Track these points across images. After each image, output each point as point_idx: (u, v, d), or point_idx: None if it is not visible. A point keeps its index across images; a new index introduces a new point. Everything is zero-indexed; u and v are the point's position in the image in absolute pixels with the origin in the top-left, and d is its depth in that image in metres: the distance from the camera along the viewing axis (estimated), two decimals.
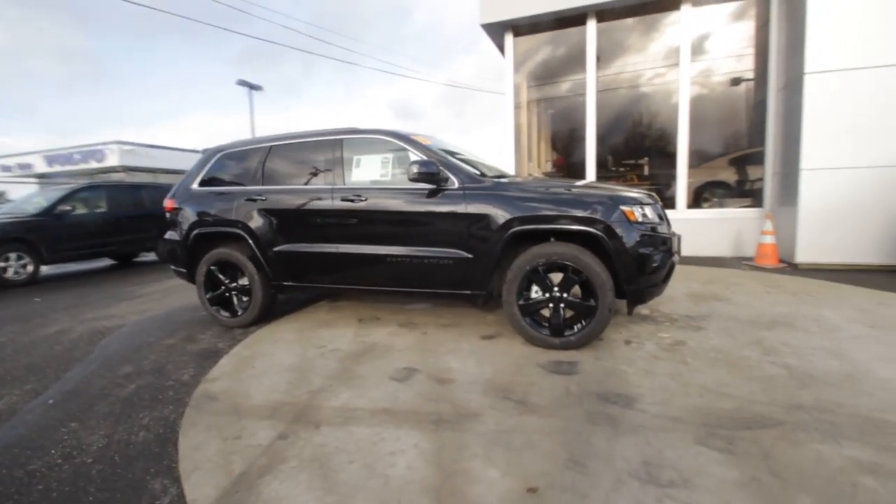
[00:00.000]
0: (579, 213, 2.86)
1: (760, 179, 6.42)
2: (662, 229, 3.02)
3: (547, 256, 2.90)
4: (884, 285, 4.39)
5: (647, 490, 1.58)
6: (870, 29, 5.04)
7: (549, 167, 8.71)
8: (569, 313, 2.98)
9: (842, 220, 5.27)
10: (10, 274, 6.47)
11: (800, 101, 5.36)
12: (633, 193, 2.98)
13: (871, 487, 1.55)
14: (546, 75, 7.96)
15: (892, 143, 5.03)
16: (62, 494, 1.76)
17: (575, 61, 7.24)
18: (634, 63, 7.17)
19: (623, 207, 2.82)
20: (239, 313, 3.86)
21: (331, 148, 3.60)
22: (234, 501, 1.65)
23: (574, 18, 6.94)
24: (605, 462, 1.75)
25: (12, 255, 6.52)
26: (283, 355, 3.12)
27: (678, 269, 3.24)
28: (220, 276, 3.88)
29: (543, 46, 7.72)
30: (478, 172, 3.31)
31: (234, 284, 3.88)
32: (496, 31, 7.44)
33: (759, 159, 6.42)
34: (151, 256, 9.13)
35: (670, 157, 6.81)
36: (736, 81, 6.80)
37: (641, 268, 2.81)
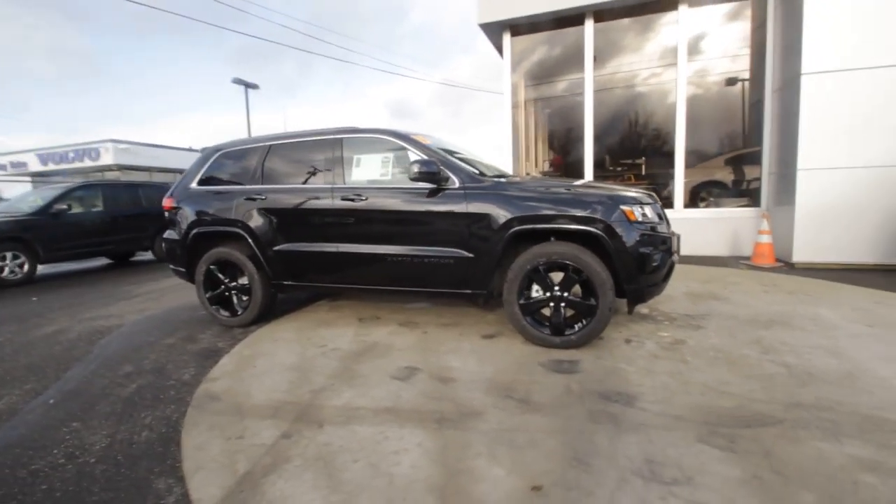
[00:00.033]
0: (580, 213, 2.87)
1: (757, 179, 6.46)
2: (662, 229, 3.04)
3: (547, 256, 2.91)
4: (880, 284, 4.43)
5: (650, 488, 1.59)
6: (867, 30, 5.08)
7: (546, 166, 8.74)
8: (569, 312, 2.99)
9: (838, 220, 5.31)
10: (6, 273, 6.43)
11: (797, 101, 5.39)
12: (633, 193, 3.00)
13: (871, 485, 1.56)
14: (544, 75, 7.98)
15: (889, 143, 5.07)
16: (66, 494, 1.76)
17: (573, 61, 7.26)
18: (632, 63, 7.20)
19: (623, 207, 2.84)
20: (239, 313, 3.85)
21: (330, 147, 3.59)
22: (239, 501, 1.65)
23: (572, 18, 6.96)
24: (609, 460, 1.76)
25: (8, 255, 6.48)
26: (284, 354, 3.12)
27: (676, 268, 3.25)
28: (220, 276, 3.87)
29: (541, 46, 7.74)
30: (477, 172, 3.32)
31: (234, 284, 3.87)
32: (494, 30, 7.45)
33: (755, 159, 6.46)
34: (148, 256, 9.10)
35: (667, 157, 6.85)
36: (733, 81, 6.84)
37: (641, 267, 2.83)
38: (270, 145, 3.83)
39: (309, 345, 3.29)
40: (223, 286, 3.88)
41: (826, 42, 5.22)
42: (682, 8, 6.48)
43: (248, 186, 3.78)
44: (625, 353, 2.88)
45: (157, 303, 5.07)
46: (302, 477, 1.76)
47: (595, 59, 6.98)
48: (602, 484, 1.63)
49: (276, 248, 3.64)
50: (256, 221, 3.66)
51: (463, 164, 3.32)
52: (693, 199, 6.87)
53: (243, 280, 3.84)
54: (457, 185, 3.15)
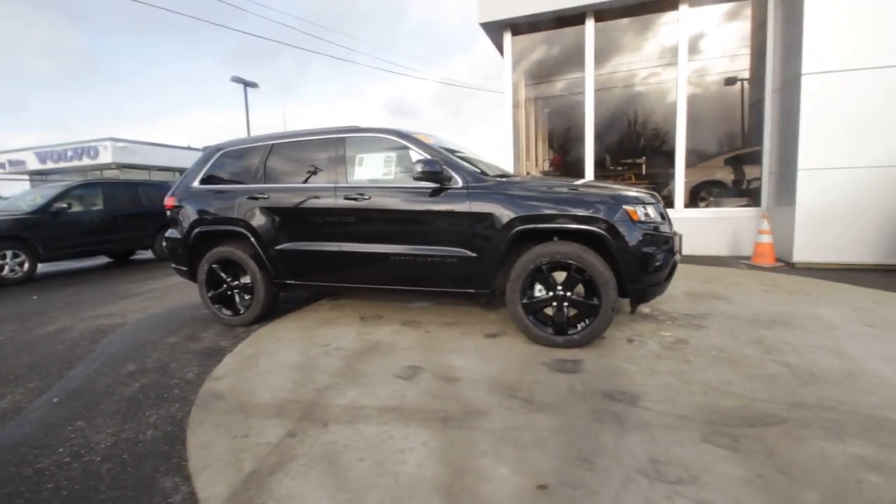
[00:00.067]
0: (583, 213, 2.88)
1: (757, 179, 6.47)
2: (664, 228, 3.05)
3: (550, 255, 2.92)
4: (880, 284, 4.45)
5: (655, 487, 1.60)
6: (867, 30, 5.09)
7: (546, 166, 8.75)
8: (572, 312, 3.00)
9: (838, 220, 5.33)
10: (6, 272, 6.42)
11: (797, 101, 5.41)
12: (636, 193, 3.01)
13: (875, 484, 1.58)
14: (544, 74, 7.99)
15: (889, 143, 5.09)
16: (73, 493, 1.76)
17: (573, 60, 7.27)
18: (633, 62, 7.20)
19: (626, 207, 2.85)
20: (241, 312, 3.85)
21: (333, 146, 3.60)
22: (245, 499, 1.65)
23: (573, 18, 6.97)
24: (614, 459, 1.77)
25: (8, 253, 6.47)
26: (287, 353, 3.13)
27: (678, 267, 3.27)
28: (222, 275, 3.87)
29: (542, 45, 7.74)
30: (479, 171, 3.32)
31: (236, 283, 3.88)
32: (495, 29, 7.45)
33: (755, 159, 6.48)
34: (148, 255, 9.09)
35: (668, 157, 6.86)
36: (733, 81, 6.85)
37: (644, 267, 2.84)
38: (273, 144, 3.83)
39: (312, 344, 3.30)
40: (225, 285, 3.88)
41: (826, 42, 5.23)
42: (683, 7, 6.49)
43: (250, 185, 3.78)
44: (627, 352, 2.89)
45: (158, 301, 5.07)
46: (308, 475, 1.76)
47: (595, 58, 6.99)
48: (607, 483, 1.64)
49: (279, 247, 3.64)
50: (259, 220, 3.66)
51: (465, 164, 3.32)
52: (693, 199, 6.88)
53: (245, 279, 3.84)
54: (460, 184, 3.16)
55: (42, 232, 6.83)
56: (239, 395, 2.52)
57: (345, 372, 2.76)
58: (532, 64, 7.90)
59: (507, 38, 7.39)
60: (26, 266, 6.64)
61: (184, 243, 3.94)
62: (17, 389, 2.79)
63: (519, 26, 7.33)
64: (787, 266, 5.56)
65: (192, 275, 4.00)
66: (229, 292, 3.90)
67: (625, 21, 7.03)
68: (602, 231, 2.84)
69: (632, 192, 2.99)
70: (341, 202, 3.43)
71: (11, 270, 6.48)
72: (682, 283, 4.68)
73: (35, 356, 3.39)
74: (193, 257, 3.94)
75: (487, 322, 3.63)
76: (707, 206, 6.85)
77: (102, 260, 8.94)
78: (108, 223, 7.73)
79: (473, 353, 2.97)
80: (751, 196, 6.61)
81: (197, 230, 3.88)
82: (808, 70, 5.29)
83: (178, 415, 2.35)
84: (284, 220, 3.63)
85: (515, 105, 7.65)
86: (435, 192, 3.19)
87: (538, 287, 3.05)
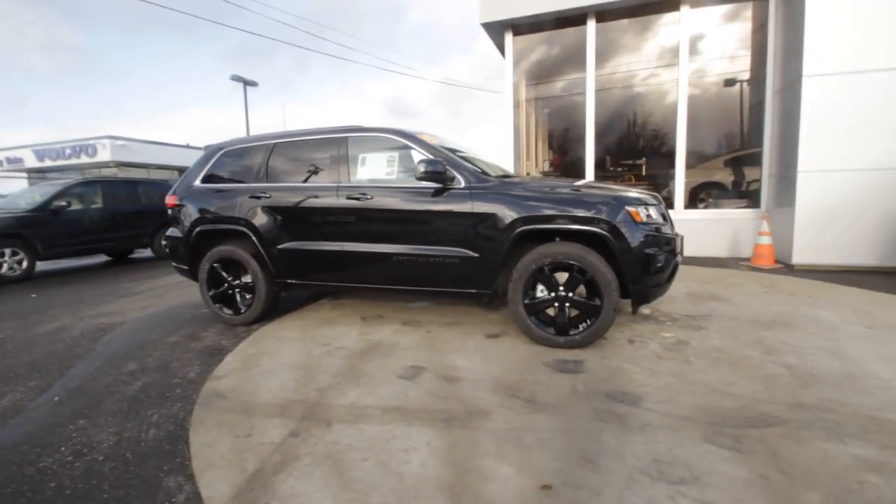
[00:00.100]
0: (585, 214, 2.89)
1: (757, 180, 6.49)
2: (666, 230, 3.06)
3: (553, 256, 2.93)
4: (879, 286, 4.46)
5: (659, 487, 1.61)
6: (867, 32, 5.11)
7: (546, 166, 8.76)
8: (573, 312, 3.01)
9: (837, 222, 5.35)
10: (4, 270, 6.41)
11: (797, 103, 5.42)
12: (639, 194, 3.02)
13: (876, 485, 1.59)
14: (545, 74, 7.99)
15: (889, 145, 5.11)
16: (76, 492, 1.76)
17: (574, 61, 7.27)
18: (634, 63, 7.21)
19: (629, 208, 2.85)
20: (242, 311, 3.85)
21: (336, 146, 3.60)
22: (250, 499, 1.66)
23: (574, 18, 6.98)
24: (617, 460, 1.78)
25: (7, 251, 6.46)
26: (289, 353, 3.13)
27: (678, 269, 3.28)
28: (223, 274, 3.87)
29: (543, 46, 7.74)
30: (482, 171, 3.33)
31: (237, 282, 3.87)
32: (496, 30, 7.45)
33: (755, 160, 6.50)
34: (147, 253, 9.08)
35: (668, 158, 6.87)
36: (733, 82, 6.86)
37: (646, 268, 2.85)
38: (275, 143, 3.83)
39: (313, 343, 3.30)
40: (226, 284, 3.88)
41: (827, 44, 5.24)
42: (684, 9, 6.50)
43: (252, 184, 3.78)
44: (629, 353, 2.90)
45: (158, 300, 5.07)
46: (312, 475, 1.76)
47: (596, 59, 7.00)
48: (611, 483, 1.64)
49: (281, 246, 3.64)
50: (261, 219, 3.66)
51: (468, 164, 3.33)
52: (693, 200, 6.90)
53: (247, 278, 3.84)
54: (462, 184, 3.16)
55: (41, 230, 6.81)
56: (241, 395, 2.52)
57: (347, 371, 2.76)
58: (533, 64, 7.90)
59: (509, 38, 7.39)
60: (25, 264, 6.63)
61: (185, 242, 3.94)
62: (18, 388, 2.78)
63: (520, 26, 7.33)
64: (786, 268, 5.58)
65: (193, 274, 3.99)
66: (230, 291, 3.90)
67: (626, 22, 7.04)
68: (604, 232, 2.84)
69: (634, 193, 2.99)
70: (343, 202, 3.43)
71: (10, 268, 6.47)
72: (681, 284, 4.69)
73: (35, 355, 3.38)
74: (195, 256, 3.94)
75: (488, 322, 3.64)
76: (707, 207, 6.87)
77: (101, 258, 8.92)
78: (107, 221, 7.71)
79: (475, 353, 2.98)
80: (750, 197, 6.63)
81: (198, 229, 3.88)
82: (809, 72, 5.31)
83: (181, 414, 2.35)
84: (286, 219, 3.63)
85: (516, 105, 7.66)
86: (437, 193, 3.19)
87: (540, 288, 3.06)
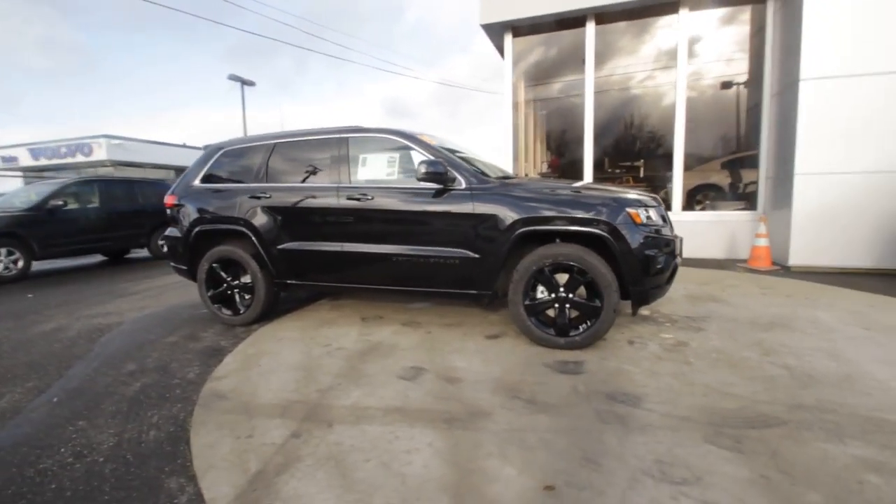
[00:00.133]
0: (585, 215, 2.90)
1: (754, 183, 6.53)
2: (666, 231, 3.08)
3: (553, 257, 2.93)
4: (875, 288, 4.50)
5: (661, 488, 1.62)
6: (866, 36, 5.15)
7: (544, 168, 8.77)
8: (574, 313, 3.02)
9: (834, 224, 5.38)
10: (0, 269, 6.36)
11: (795, 105, 5.46)
12: (638, 195, 3.03)
13: (876, 485, 1.60)
14: (544, 76, 8.01)
15: (886, 148, 5.15)
16: (76, 494, 1.75)
17: (573, 62, 7.30)
18: (632, 65, 7.24)
19: (629, 209, 2.87)
20: (241, 311, 3.84)
21: (336, 146, 3.60)
22: (252, 500, 1.65)
23: (574, 20, 7.00)
24: (619, 460, 1.79)
25: (3, 251, 6.42)
26: (289, 354, 3.12)
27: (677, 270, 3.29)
28: (222, 274, 3.85)
29: (542, 47, 7.76)
30: (482, 172, 3.33)
31: (237, 282, 3.86)
32: (496, 31, 7.47)
33: (753, 163, 6.53)
34: (143, 253, 9.04)
35: (666, 160, 6.90)
36: (731, 85, 6.90)
37: (646, 269, 2.86)
38: (275, 143, 3.82)
39: (313, 344, 3.30)
40: (225, 284, 3.87)
41: (825, 48, 5.28)
42: (683, 11, 6.53)
43: (252, 184, 3.77)
44: (628, 354, 2.91)
45: (156, 300, 5.05)
46: (315, 476, 1.76)
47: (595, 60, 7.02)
48: (613, 483, 1.65)
49: (281, 246, 3.63)
50: (261, 220, 3.66)
51: (468, 165, 3.33)
52: (690, 202, 6.93)
53: (246, 278, 3.83)
54: (463, 185, 3.16)
55: (37, 229, 6.78)
56: (241, 396, 2.51)
57: (347, 372, 2.76)
58: (532, 65, 7.92)
59: (508, 39, 7.41)
60: (21, 264, 6.59)
61: (184, 242, 3.92)
62: (16, 389, 2.77)
63: (520, 28, 7.35)
64: (783, 269, 5.61)
65: (191, 274, 3.98)
66: (229, 292, 3.89)
67: (624, 24, 7.06)
68: (605, 233, 2.85)
69: (634, 195, 3.01)
70: (344, 202, 3.43)
71: (6, 268, 6.43)
72: (680, 285, 4.71)
73: (32, 355, 3.36)
74: (193, 256, 3.93)
75: (488, 323, 3.65)
76: (704, 209, 6.90)
77: (97, 258, 8.88)
78: (104, 221, 7.68)
79: (475, 354, 2.98)
80: (748, 199, 6.67)
81: (197, 229, 3.87)
82: (807, 75, 5.34)
83: (181, 415, 2.34)
84: (286, 219, 3.62)
85: (514, 106, 7.68)
86: (438, 193, 3.20)
87: (540, 289, 3.07)
